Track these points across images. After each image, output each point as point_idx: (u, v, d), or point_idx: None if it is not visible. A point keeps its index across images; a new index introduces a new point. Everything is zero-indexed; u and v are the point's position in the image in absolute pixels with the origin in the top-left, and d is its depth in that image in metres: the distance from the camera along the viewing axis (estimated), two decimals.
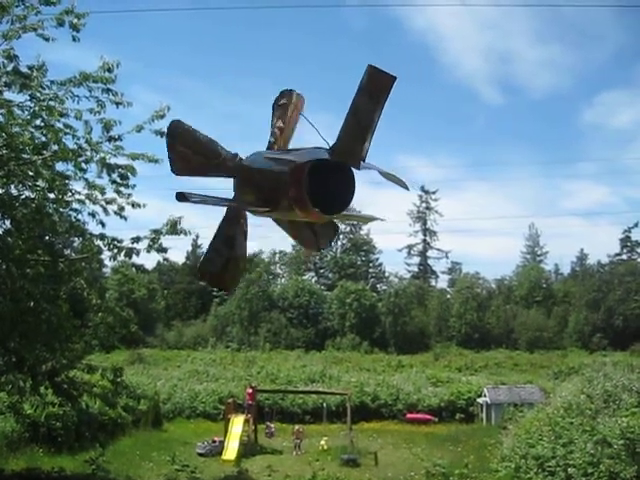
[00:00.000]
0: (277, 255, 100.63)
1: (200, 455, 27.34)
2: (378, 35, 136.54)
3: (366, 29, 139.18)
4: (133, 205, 15.55)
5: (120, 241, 15.62)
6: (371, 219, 4.70)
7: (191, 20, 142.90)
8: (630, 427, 17.14)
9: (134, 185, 15.39)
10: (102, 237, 15.75)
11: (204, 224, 42.19)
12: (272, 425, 32.06)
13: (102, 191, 15.30)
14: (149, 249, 15.42)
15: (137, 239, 15.32)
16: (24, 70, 13.13)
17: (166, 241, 15.72)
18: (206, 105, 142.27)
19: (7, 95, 13.59)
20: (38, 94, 13.53)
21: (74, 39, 13.31)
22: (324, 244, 4.75)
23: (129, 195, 15.46)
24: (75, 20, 13.09)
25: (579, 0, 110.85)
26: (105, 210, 15.51)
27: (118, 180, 15.06)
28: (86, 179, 15.20)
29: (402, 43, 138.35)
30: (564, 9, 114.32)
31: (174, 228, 15.31)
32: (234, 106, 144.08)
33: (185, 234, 15.75)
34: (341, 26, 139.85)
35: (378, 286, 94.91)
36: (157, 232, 15.29)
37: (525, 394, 34.81)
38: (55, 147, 14.32)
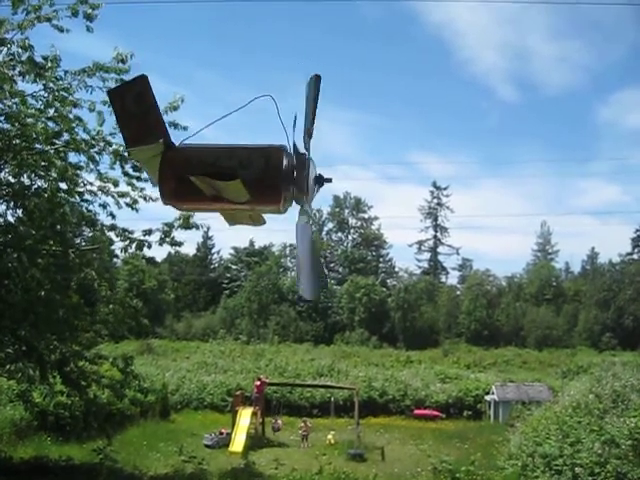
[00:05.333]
0: (287, 248, 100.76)
1: (207, 447, 27.38)
2: (394, 29, 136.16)
3: (382, 23, 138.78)
4: (146, 198, 15.61)
5: (131, 232, 15.70)
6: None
7: (205, 11, 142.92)
8: (638, 428, 17.06)
9: (147, 178, 15.46)
10: (113, 227, 15.84)
11: (215, 215, 42.08)
12: (279, 419, 32.10)
13: (115, 183, 15.36)
14: (161, 242, 15.49)
15: (149, 232, 15.40)
16: (38, 60, 13.16)
17: (178, 234, 15.81)
18: (220, 97, 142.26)
19: (21, 85, 13.65)
20: (52, 84, 13.57)
21: (88, 29, 13.33)
22: None
23: (142, 189, 15.54)
24: (89, 10, 13.10)
25: None
26: (118, 203, 15.58)
27: (130, 172, 15.12)
28: (98, 170, 15.27)
29: (418, 37, 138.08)
30: (581, 5, 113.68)
31: (187, 222, 15.36)
32: (245, 97, 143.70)
33: (197, 228, 15.81)
34: (356, 19, 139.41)
35: (388, 281, 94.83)
36: (169, 225, 15.36)
37: (533, 392, 34.76)
38: (67, 137, 14.38)
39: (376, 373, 43.49)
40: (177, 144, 3.86)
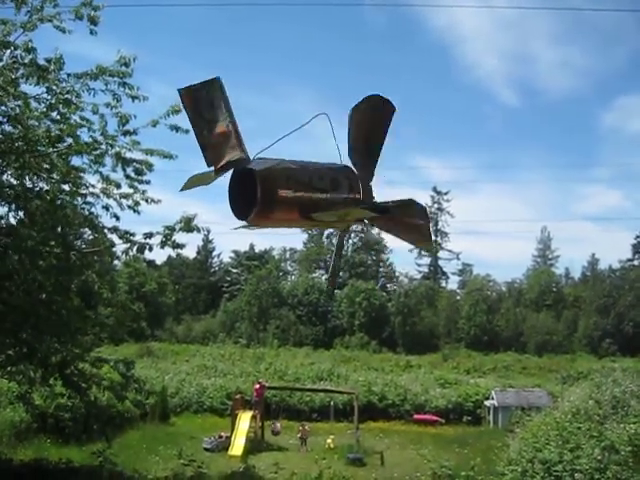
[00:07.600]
0: (287, 252, 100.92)
1: (206, 450, 27.40)
2: (397, 34, 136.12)
3: (385, 28, 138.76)
4: (147, 201, 15.58)
5: (133, 234, 15.67)
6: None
7: (208, 14, 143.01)
8: (638, 434, 17.05)
9: (149, 181, 15.44)
10: (115, 229, 15.81)
11: (215, 220, 42.22)
12: (278, 422, 32.10)
13: (117, 185, 15.34)
14: (163, 245, 15.44)
15: (150, 235, 15.35)
16: (42, 62, 13.17)
17: (179, 237, 15.76)
18: None
19: (24, 87, 13.66)
20: (55, 87, 13.57)
21: (92, 32, 13.33)
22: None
23: (144, 191, 15.51)
24: (92, 12, 13.09)
25: (599, 3, 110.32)
26: (120, 205, 15.55)
27: (132, 175, 15.09)
28: (101, 173, 15.25)
29: (421, 42, 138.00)
30: (584, 11, 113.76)
31: (188, 225, 15.31)
32: (250, 101, 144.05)
33: (199, 231, 15.76)
34: (360, 24, 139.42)
35: (388, 286, 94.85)
36: (170, 228, 15.31)
37: (533, 398, 34.70)
38: (70, 140, 14.37)
39: (376, 377, 43.47)
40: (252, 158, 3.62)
